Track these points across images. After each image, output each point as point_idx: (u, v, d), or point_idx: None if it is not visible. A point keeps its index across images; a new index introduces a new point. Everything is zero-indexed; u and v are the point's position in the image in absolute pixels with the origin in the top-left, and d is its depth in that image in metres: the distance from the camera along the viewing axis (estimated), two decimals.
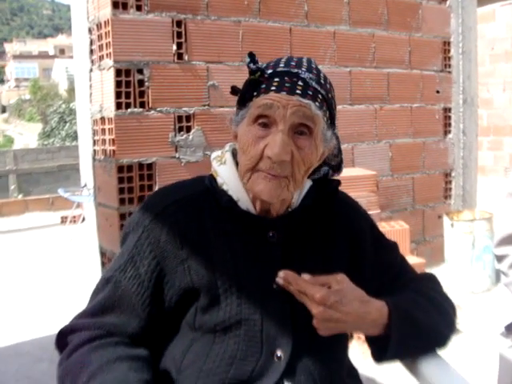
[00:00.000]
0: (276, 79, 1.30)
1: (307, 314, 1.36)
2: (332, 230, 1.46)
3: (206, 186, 1.39)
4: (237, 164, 1.38)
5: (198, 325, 1.32)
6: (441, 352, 1.43)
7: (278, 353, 1.32)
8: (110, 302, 1.33)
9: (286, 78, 1.31)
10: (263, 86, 1.30)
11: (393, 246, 1.56)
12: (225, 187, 1.36)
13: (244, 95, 1.32)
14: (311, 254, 1.41)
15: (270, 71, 1.31)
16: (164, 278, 1.32)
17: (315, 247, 1.42)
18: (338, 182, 1.48)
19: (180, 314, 1.34)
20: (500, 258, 1.96)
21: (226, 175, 1.37)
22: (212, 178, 1.39)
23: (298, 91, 1.29)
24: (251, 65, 1.30)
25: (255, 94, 1.30)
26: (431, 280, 1.54)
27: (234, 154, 1.41)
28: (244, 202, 1.36)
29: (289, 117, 1.27)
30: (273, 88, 1.29)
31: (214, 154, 1.42)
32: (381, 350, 1.33)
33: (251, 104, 1.30)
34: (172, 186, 1.47)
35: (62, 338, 1.34)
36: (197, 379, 1.29)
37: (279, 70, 1.32)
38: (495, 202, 2.08)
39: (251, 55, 1.31)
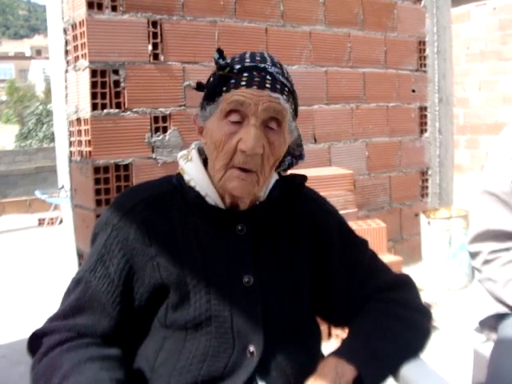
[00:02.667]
0: (245, 74, 1.31)
1: (278, 308, 1.37)
2: (297, 224, 1.47)
3: (174, 184, 1.40)
4: (204, 160, 1.39)
5: (170, 322, 1.32)
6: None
7: (251, 348, 1.32)
8: (80, 302, 1.33)
9: (254, 73, 1.32)
10: (232, 81, 1.31)
11: (362, 244, 1.55)
12: (192, 183, 1.37)
13: (213, 90, 1.33)
14: (279, 247, 1.43)
15: (238, 66, 1.33)
16: (134, 276, 1.33)
17: (282, 240, 1.44)
18: (305, 178, 1.49)
19: (151, 312, 1.35)
20: (473, 255, 1.97)
21: (193, 172, 1.38)
22: (179, 176, 1.40)
23: (267, 85, 1.31)
24: (220, 60, 1.32)
25: (224, 89, 1.31)
26: (405, 286, 1.52)
27: (200, 152, 1.42)
28: (212, 197, 1.37)
29: (260, 112, 1.29)
30: (243, 83, 1.31)
31: (181, 153, 1.44)
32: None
33: (221, 99, 1.31)
34: (139, 185, 1.49)
35: (34, 341, 1.33)
36: (170, 377, 1.29)
37: (247, 65, 1.33)
38: (471, 199, 2.08)
39: (220, 51, 1.33)
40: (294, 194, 1.48)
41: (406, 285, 1.52)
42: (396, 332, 1.39)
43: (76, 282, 1.36)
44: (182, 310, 1.31)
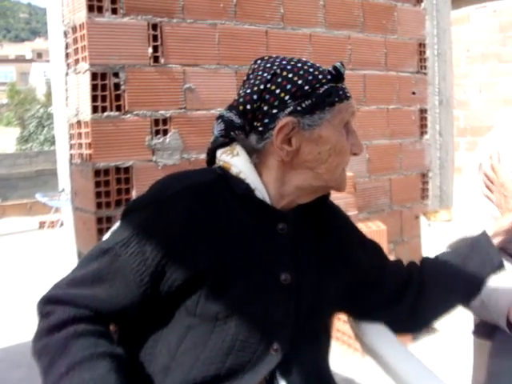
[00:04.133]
0: (342, 85, 1.43)
1: (309, 308, 1.40)
2: (325, 226, 1.55)
3: (218, 175, 1.41)
4: (250, 155, 1.41)
5: (200, 311, 1.32)
6: (416, 351, 1.45)
7: (275, 345, 1.35)
8: (103, 273, 1.31)
9: (344, 82, 1.45)
10: (341, 92, 1.41)
11: (375, 243, 1.73)
12: (242, 176, 1.39)
13: (323, 100, 1.38)
14: (313, 248, 1.48)
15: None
16: (169, 262, 1.31)
17: (315, 242, 1.50)
18: None
19: (179, 299, 1.33)
20: None
21: (242, 165, 1.39)
22: (224, 169, 1.42)
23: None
24: (344, 72, 1.42)
25: (337, 99, 1.39)
26: None
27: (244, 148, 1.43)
28: (261, 191, 1.39)
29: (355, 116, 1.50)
30: (348, 94, 1.44)
31: (221, 150, 1.45)
32: None
33: (335, 109, 1.40)
34: (182, 172, 1.49)
35: (46, 304, 1.32)
36: (192, 367, 1.30)
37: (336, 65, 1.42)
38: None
39: (342, 64, 1.43)
40: (324, 197, 1.55)
41: None
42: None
43: (102, 252, 1.34)
44: (215, 300, 1.31)
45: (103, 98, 3.57)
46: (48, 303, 1.31)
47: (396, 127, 5.16)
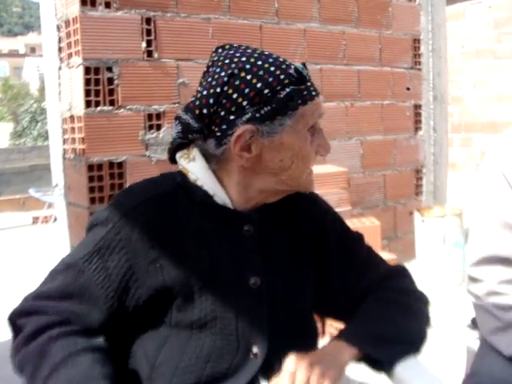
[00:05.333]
0: (308, 83, 1.32)
1: (284, 310, 1.37)
2: (297, 224, 1.46)
3: (178, 183, 1.36)
4: (207, 160, 1.35)
5: (174, 322, 1.31)
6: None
7: (254, 350, 1.32)
8: (70, 289, 1.29)
9: (310, 80, 1.35)
10: (305, 92, 1.31)
11: (358, 238, 1.56)
12: (199, 183, 1.34)
13: (285, 105, 1.28)
14: (283, 248, 1.42)
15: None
16: (132, 277, 1.29)
17: (285, 241, 1.43)
18: None
19: (151, 312, 1.32)
20: (475, 280, 1.80)
21: (199, 171, 1.35)
22: (183, 175, 1.37)
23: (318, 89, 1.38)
24: (307, 75, 1.32)
25: (300, 101, 1.30)
26: (401, 275, 1.53)
27: (201, 151, 1.36)
28: (220, 196, 1.35)
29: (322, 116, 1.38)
30: (313, 93, 1.33)
31: (180, 153, 1.39)
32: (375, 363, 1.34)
33: (298, 112, 1.30)
34: (141, 183, 1.44)
35: (17, 318, 1.30)
36: (172, 376, 1.28)
37: (304, 72, 1.33)
38: (471, 217, 1.95)
39: (305, 65, 1.33)
40: (294, 194, 1.46)
41: (402, 274, 1.54)
42: (395, 317, 1.40)
43: (66, 266, 1.32)
44: (187, 310, 1.30)
45: (96, 93, 3.55)
46: (19, 317, 1.30)
47: (390, 123, 5.16)
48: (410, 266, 4.71)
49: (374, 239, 4.04)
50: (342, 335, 1.34)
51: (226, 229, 1.35)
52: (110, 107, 3.60)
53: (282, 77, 1.28)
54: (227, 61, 1.31)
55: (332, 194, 3.95)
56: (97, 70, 3.55)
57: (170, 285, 1.29)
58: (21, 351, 1.26)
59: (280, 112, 1.28)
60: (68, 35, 3.66)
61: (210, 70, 1.34)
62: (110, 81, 3.60)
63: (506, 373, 1.69)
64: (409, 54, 5.29)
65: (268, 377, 1.32)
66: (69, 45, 3.66)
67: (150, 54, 3.74)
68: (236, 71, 1.28)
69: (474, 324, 1.98)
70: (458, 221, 4.68)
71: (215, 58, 1.36)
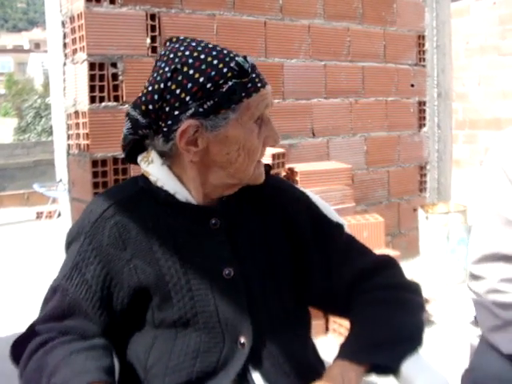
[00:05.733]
0: (253, 75, 1.31)
1: (262, 297, 1.37)
2: (268, 213, 1.46)
3: (141, 186, 1.39)
4: (161, 157, 1.36)
5: (158, 322, 1.33)
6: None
7: (241, 340, 1.33)
8: (60, 310, 1.32)
9: (256, 71, 1.32)
10: (249, 85, 1.30)
11: (336, 228, 1.53)
12: (159, 184, 1.36)
13: (228, 98, 1.28)
14: (255, 237, 1.43)
15: (247, 67, 1.30)
16: (112, 282, 1.32)
17: (257, 230, 1.44)
18: (269, 167, 1.48)
19: (136, 314, 1.34)
20: (476, 278, 1.80)
21: (157, 172, 1.36)
22: (145, 178, 1.39)
23: (265, 80, 1.35)
24: (248, 68, 1.30)
25: (244, 94, 1.29)
26: (388, 267, 1.51)
27: (158, 152, 1.38)
28: (182, 194, 1.36)
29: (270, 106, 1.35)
30: (259, 85, 1.31)
31: (140, 156, 1.41)
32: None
33: (242, 105, 1.29)
34: (107, 191, 1.48)
35: (17, 349, 1.33)
36: (164, 376, 1.30)
37: (248, 64, 1.31)
38: (474, 212, 1.93)
39: (246, 58, 1.31)
40: (263, 184, 1.45)
41: (388, 266, 1.51)
42: (390, 317, 1.38)
43: (53, 291, 1.35)
44: (167, 309, 1.31)
45: (101, 89, 3.56)
46: (18, 346, 1.33)
47: (394, 119, 5.15)
48: (413, 262, 4.76)
49: (377, 236, 4.04)
50: (343, 354, 1.33)
51: (192, 225, 1.37)
52: (115, 103, 3.61)
53: (224, 70, 1.27)
54: (172, 55, 1.31)
55: (336, 191, 3.95)
56: (101, 66, 3.55)
57: (145, 284, 1.31)
58: (22, 376, 1.28)
59: (223, 106, 1.27)
60: (73, 31, 3.66)
61: (157, 64, 1.35)
62: (115, 76, 3.60)
63: (503, 369, 1.69)
64: (413, 51, 5.29)
65: (257, 366, 1.33)
66: (73, 40, 3.66)
67: (154, 49, 3.74)
68: (179, 66, 1.28)
69: (477, 321, 1.98)
70: (462, 218, 4.67)
71: (162, 52, 1.36)
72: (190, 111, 1.27)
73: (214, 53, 1.30)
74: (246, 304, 1.35)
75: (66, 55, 3.82)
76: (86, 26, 3.49)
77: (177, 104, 1.27)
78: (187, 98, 1.27)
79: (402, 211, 5.27)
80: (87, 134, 3.56)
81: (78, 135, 3.70)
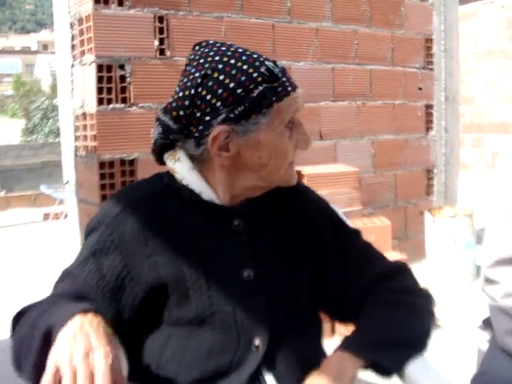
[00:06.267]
0: (283, 78, 1.31)
1: (280, 300, 1.37)
2: (290, 217, 1.47)
3: (166, 183, 1.38)
4: (191, 160, 1.36)
5: (174, 320, 1.32)
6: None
7: (256, 342, 1.33)
8: (67, 293, 1.29)
9: (286, 75, 1.33)
10: (280, 89, 1.30)
11: (354, 234, 1.55)
12: (185, 182, 1.36)
13: (259, 103, 1.28)
14: (276, 240, 1.43)
15: (277, 71, 1.31)
16: (127, 275, 1.31)
17: (278, 233, 1.44)
18: None
19: (151, 310, 1.33)
20: (491, 282, 1.79)
21: (184, 171, 1.36)
22: (170, 175, 1.39)
23: (295, 83, 1.35)
24: (279, 72, 1.30)
25: (274, 98, 1.29)
26: (402, 273, 1.52)
27: (185, 151, 1.37)
28: (206, 193, 1.36)
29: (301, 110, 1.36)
30: (289, 88, 1.32)
31: (167, 154, 1.40)
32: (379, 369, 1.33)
33: (273, 110, 1.29)
34: (132, 185, 1.51)
35: (15, 321, 1.32)
36: (177, 374, 1.30)
37: (278, 68, 1.31)
38: (486, 214, 1.92)
39: (275, 62, 1.31)
40: (285, 188, 1.46)
41: (402, 272, 1.52)
42: (398, 319, 1.39)
43: (63, 275, 1.35)
44: (184, 307, 1.31)
45: (109, 90, 3.56)
46: (16, 320, 1.31)
47: (402, 123, 5.15)
48: (420, 266, 4.74)
49: (384, 239, 4.03)
50: (345, 345, 1.34)
51: (215, 224, 1.37)
52: (122, 105, 3.62)
53: (254, 75, 1.27)
54: (202, 60, 1.31)
55: (343, 194, 3.95)
56: (109, 68, 3.56)
57: (164, 281, 1.31)
58: (14, 337, 1.27)
59: (254, 111, 1.28)
60: (81, 33, 3.67)
61: (187, 69, 1.34)
62: (123, 78, 3.61)
63: None
64: (421, 54, 5.28)
65: (271, 369, 1.33)
66: (82, 42, 3.67)
67: (162, 52, 3.75)
68: (209, 72, 1.27)
69: (486, 325, 1.97)
70: (468, 221, 4.66)
71: (191, 57, 1.35)
72: (221, 117, 1.27)
73: (244, 57, 1.30)
74: (264, 307, 1.35)
75: (73, 57, 3.83)
76: (94, 27, 3.50)
77: (208, 110, 1.27)
78: (218, 104, 1.26)
79: (409, 215, 5.26)
80: (95, 135, 3.56)
81: (85, 137, 3.71)
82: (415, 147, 5.28)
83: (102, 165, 3.57)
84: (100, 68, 3.53)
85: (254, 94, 1.27)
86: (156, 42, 3.72)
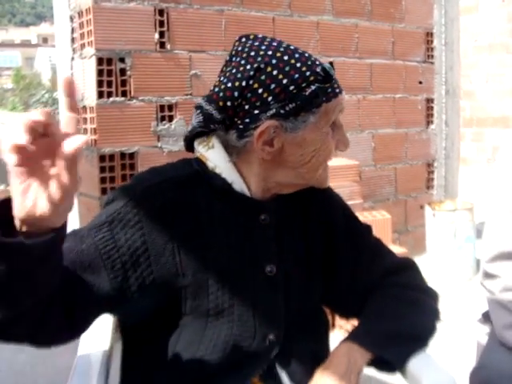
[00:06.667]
0: (333, 80, 1.31)
1: (298, 297, 1.38)
2: (309, 213, 1.47)
3: (196, 169, 1.36)
4: (226, 149, 1.34)
5: (190, 309, 1.30)
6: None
7: (271, 337, 1.34)
8: (67, 251, 1.19)
9: (334, 77, 1.33)
10: (329, 90, 1.30)
11: (366, 229, 1.56)
12: (217, 170, 1.34)
13: (310, 102, 1.28)
14: (296, 237, 1.44)
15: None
16: (145, 253, 1.26)
17: (298, 230, 1.45)
18: None
19: (163, 297, 1.30)
20: (490, 276, 1.80)
21: (217, 159, 1.34)
22: (201, 162, 1.36)
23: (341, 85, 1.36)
24: (333, 74, 1.31)
25: (324, 99, 1.29)
26: (409, 269, 1.54)
27: (221, 141, 1.35)
28: (238, 184, 1.35)
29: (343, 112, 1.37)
30: (337, 90, 1.32)
31: (199, 140, 1.38)
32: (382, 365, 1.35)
33: (321, 110, 1.29)
34: (162, 166, 1.44)
35: None
36: (189, 365, 1.29)
37: (327, 70, 1.31)
38: (486, 211, 1.92)
39: (332, 64, 1.32)
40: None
41: (409, 268, 1.54)
42: (404, 314, 1.40)
43: (70, 234, 1.25)
44: (202, 298, 1.29)
45: (109, 84, 3.56)
46: None
47: (402, 116, 5.14)
48: (420, 259, 4.74)
49: (384, 232, 4.03)
50: (352, 337, 1.35)
51: (243, 216, 1.36)
52: (122, 98, 3.61)
53: (307, 74, 1.27)
54: (253, 53, 1.30)
55: (343, 187, 3.94)
56: (109, 61, 3.56)
57: (184, 268, 1.28)
58: None
59: (304, 109, 1.28)
60: (81, 26, 3.67)
61: (234, 60, 1.33)
62: (123, 72, 3.61)
63: None
64: (421, 48, 5.27)
65: (284, 364, 1.34)
66: (82, 35, 3.66)
67: (162, 45, 3.74)
68: (262, 65, 1.27)
69: (485, 319, 1.98)
70: (469, 215, 4.66)
71: (239, 49, 1.34)
72: (271, 112, 1.27)
73: (297, 55, 1.30)
74: (282, 303, 1.36)
75: (73, 50, 3.82)
76: (94, 20, 3.49)
77: (258, 103, 1.27)
78: (269, 99, 1.26)
79: (409, 208, 5.26)
80: (95, 128, 3.56)
81: (85, 130, 3.71)
82: (415, 141, 5.28)
83: (102, 158, 3.56)
84: (100, 61, 3.52)
85: (306, 93, 1.27)
86: (156, 35, 3.71)
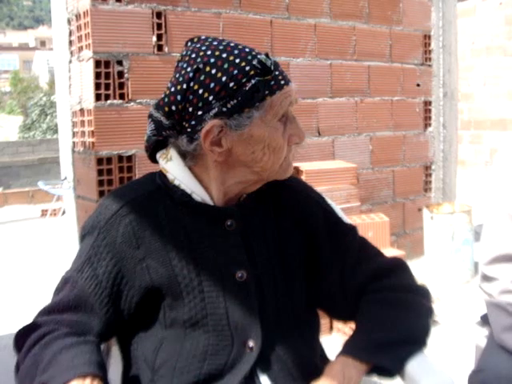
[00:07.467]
0: (276, 72, 1.30)
1: (274, 301, 1.36)
2: (284, 216, 1.45)
3: (158, 184, 1.38)
4: (184, 158, 1.35)
5: (169, 322, 1.32)
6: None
7: (250, 343, 1.32)
8: (65, 301, 1.32)
9: (279, 68, 1.31)
10: (272, 82, 1.28)
11: (350, 230, 1.52)
12: (176, 182, 1.35)
13: (251, 97, 1.26)
14: (268, 240, 1.42)
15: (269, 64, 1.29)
16: (122, 279, 1.32)
17: (271, 233, 1.43)
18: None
19: (145, 313, 1.34)
20: (489, 279, 1.80)
21: (175, 170, 1.35)
22: (162, 175, 1.38)
23: (288, 77, 1.34)
24: (271, 65, 1.28)
25: (267, 92, 1.27)
26: (398, 269, 1.51)
27: (178, 150, 1.36)
28: (198, 193, 1.35)
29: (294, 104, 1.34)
30: (282, 82, 1.30)
31: (159, 153, 1.40)
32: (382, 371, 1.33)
33: (266, 103, 1.28)
34: (124, 186, 1.48)
35: (20, 338, 1.32)
36: (172, 378, 1.30)
37: (270, 61, 1.29)
38: (490, 211, 1.91)
39: (268, 55, 1.30)
40: (279, 185, 1.46)
41: (399, 269, 1.51)
42: (397, 318, 1.38)
43: (64, 282, 1.36)
44: (178, 309, 1.31)
45: (106, 86, 3.56)
46: (21, 336, 1.32)
47: (400, 119, 5.14)
48: (418, 262, 4.75)
49: (382, 235, 4.03)
50: (347, 350, 1.33)
51: (208, 226, 1.36)
52: (120, 101, 3.61)
53: (246, 68, 1.26)
54: (193, 55, 1.30)
55: (341, 190, 3.94)
56: (107, 64, 3.55)
57: (157, 284, 1.31)
58: (18, 373, 1.28)
59: (247, 104, 1.26)
60: (78, 29, 3.66)
61: (179, 64, 1.33)
62: (120, 74, 3.60)
63: None
64: (419, 50, 5.28)
65: (265, 370, 1.33)
66: (79, 38, 3.66)
67: (160, 48, 3.74)
68: (201, 66, 1.26)
69: (484, 321, 1.97)
70: (466, 218, 4.66)
71: (184, 53, 1.34)
72: (214, 111, 1.26)
73: (236, 51, 1.29)
74: (256, 308, 1.34)
75: (71, 53, 3.82)
76: (92, 23, 3.49)
77: (200, 104, 1.26)
78: (210, 98, 1.25)
79: (407, 211, 5.26)
80: (92, 131, 3.56)
81: (83, 133, 3.70)
82: (413, 143, 5.28)
83: (99, 161, 3.56)
84: (98, 64, 3.52)
85: (247, 88, 1.25)
86: (154, 38, 3.71)
